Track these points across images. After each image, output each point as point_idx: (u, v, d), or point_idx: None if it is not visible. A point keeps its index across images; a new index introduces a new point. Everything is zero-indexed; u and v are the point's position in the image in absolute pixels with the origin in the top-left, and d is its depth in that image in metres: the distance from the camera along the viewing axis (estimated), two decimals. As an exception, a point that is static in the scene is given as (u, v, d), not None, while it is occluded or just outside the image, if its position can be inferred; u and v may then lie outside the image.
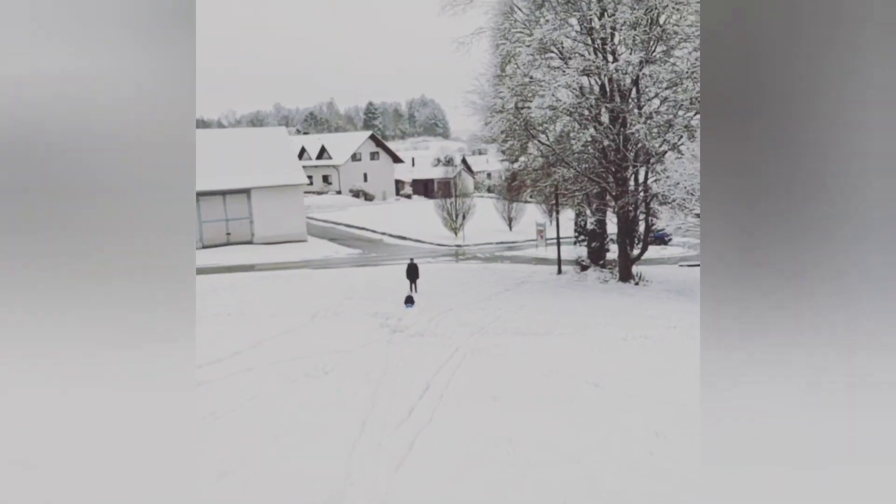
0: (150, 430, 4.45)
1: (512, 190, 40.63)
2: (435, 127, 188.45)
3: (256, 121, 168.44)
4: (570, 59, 22.63)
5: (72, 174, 4.39)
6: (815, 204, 4.40)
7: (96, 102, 4.37)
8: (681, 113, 22.59)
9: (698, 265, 30.83)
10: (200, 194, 35.76)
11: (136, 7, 4.39)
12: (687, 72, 21.39)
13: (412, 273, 21.07)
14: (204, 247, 36.12)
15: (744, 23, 4.38)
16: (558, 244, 28.78)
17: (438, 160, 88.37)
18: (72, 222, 4.42)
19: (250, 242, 37.62)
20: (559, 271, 27.71)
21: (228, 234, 37.26)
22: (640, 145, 23.10)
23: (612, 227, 26.83)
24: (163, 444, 4.45)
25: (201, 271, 28.12)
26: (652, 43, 22.15)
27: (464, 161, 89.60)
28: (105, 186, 4.43)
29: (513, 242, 42.24)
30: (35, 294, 4.39)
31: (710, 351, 4.73)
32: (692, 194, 20.14)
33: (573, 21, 23.37)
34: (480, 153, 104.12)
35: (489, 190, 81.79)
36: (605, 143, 23.49)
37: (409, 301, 20.24)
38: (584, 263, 27.83)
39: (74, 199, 4.41)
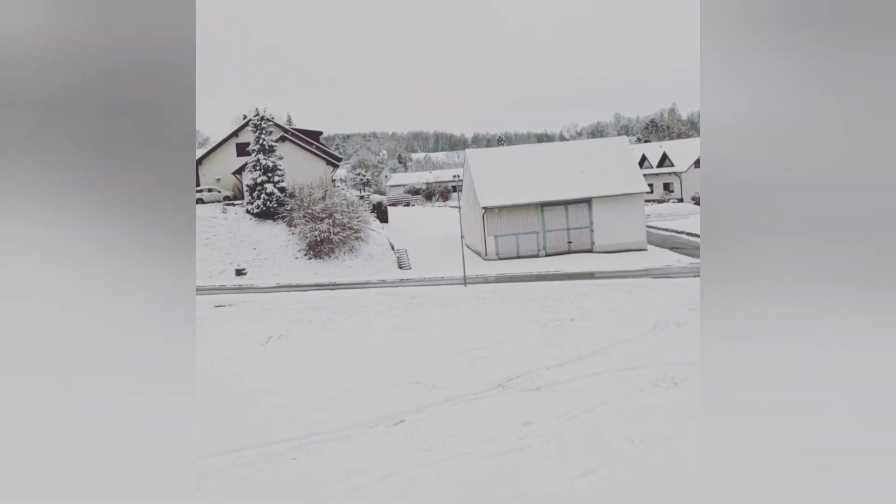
0: (152, 445, 4.85)
1: None
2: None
3: (597, 132, 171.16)
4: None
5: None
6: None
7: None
8: None
9: None
10: (544, 204, 37.66)
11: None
12: None
13: None
14: (547, 254, 37.85)
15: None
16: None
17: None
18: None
19: (590, 251, 38.31)
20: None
21: (570, 242, 38.44)
22: None
23: None
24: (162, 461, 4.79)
25: (543, 278, 29.36)
26: None
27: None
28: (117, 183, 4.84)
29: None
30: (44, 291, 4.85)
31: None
32: None
33: None
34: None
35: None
36: None
37: None
38: None
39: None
